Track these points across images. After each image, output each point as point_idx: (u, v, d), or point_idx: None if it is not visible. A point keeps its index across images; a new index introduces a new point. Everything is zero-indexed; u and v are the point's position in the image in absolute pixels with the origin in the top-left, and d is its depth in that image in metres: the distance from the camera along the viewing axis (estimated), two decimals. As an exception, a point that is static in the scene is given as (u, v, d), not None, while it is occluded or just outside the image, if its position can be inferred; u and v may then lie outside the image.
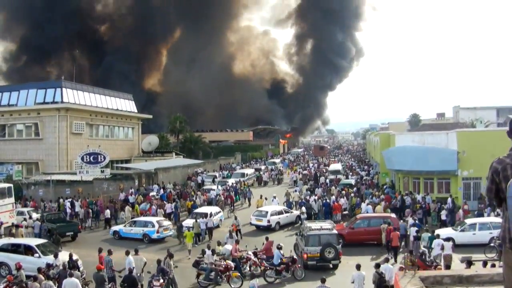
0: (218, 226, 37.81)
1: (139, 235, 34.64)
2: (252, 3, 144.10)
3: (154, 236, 34.16)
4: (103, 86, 75.53)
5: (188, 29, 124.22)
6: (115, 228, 36.52)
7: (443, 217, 35.65)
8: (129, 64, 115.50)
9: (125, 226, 36.12)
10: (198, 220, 34.56)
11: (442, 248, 25.12)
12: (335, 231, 27.79)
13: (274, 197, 44.37)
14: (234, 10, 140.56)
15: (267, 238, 28.39)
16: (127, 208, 40.79)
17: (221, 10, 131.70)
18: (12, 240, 28.52)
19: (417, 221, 31.90)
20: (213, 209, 39.45)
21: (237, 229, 33.49)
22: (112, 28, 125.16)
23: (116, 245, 31.04)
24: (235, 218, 35.08)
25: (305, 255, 26.38)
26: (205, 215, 36.23)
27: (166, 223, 35.80)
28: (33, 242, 27.45)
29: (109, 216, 39.98)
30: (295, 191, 50.51)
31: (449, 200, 37.77)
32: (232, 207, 45.58)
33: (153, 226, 34.64)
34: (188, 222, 35.56)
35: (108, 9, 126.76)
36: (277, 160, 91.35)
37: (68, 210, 42.51)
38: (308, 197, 43.46)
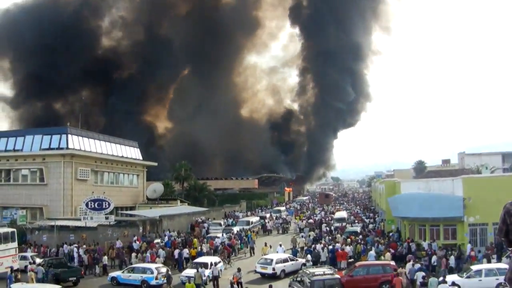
0: (218, 276, 36.84)
1: (137, 282, 34.52)
2: (260, 45, 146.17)
3: (153, 282, 34.07)
4: (108, 127, 76.05)
5: (195, 71, 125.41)
6: (113, 274, 36.41)
7: (451, 263, 35.29)
8: (134, 105, 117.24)
9: (123, 272, 36.01)
10: (199, 270, 33.86)
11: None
12: (337, 276, 29.29)
13: (280, 245, 44.34)
14: (242, 50, 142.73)
15: (270, 287, 28.24)
16: (133, 255, 40.73)
17: (229, 50, 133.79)
18: (28, 286, 28.29)
19: (423, 267, 31.76)
20: (214, 259, 38.55)
21: (238, 281, 32.39)
22: (120, 65, 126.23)
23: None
24: (239, 270, 33.60)
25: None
26: (205, 265, 35.66)
27: (164, 269, 35.61)
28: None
29: (106, 263, 40.05)
30: (302, 236, 51.80)
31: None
32: (228, 258, 43.85)
33: (152, 272, 34.53)
34: (188, 272, 35.27)
35: (116, 46, 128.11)
36: (282, 208, 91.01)
37: (76, 255, 42.63)
38: (313, 245, 43.32)
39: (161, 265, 37.25)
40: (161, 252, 41.64)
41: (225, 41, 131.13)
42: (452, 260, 35.61)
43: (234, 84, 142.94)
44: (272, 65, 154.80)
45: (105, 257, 40.15)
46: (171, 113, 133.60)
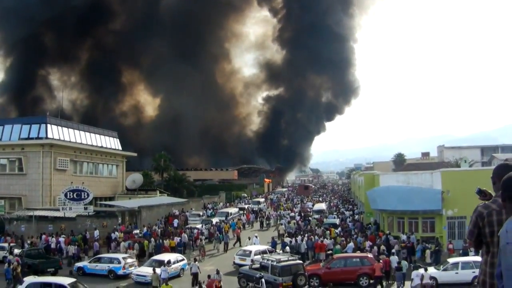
0: (178, 275, 34.92)
1: (104, 271, 34.40)
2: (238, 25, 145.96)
3: (120, 272, 34.03)
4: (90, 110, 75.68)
5: (175, 60, 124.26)
6: (79, 264, 36.31)
7: (428, 259, 35.79)
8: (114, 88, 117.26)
9: (90, 262, 35.84)
10: (156, 271, 30.82)
11: (422, 278, 26.77)
12: (300, 261, 31.92)
13: (256, 236, 44.50)
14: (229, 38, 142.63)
15: (261, 277, 28.54)
16: (122, 244, 40.77)
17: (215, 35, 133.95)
18: (40, 279, 28.08)
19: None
20: (174, 256, 36.13)
21: (219, 286, 28.71)
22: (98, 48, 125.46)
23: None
24: (217, 272, 29.91)
25: (281, 285, 28.59)
26: (161, 263, 33.09)
27: (131, 260, 35.53)
28: (66, 281, 27.27)
29: (74, 253, 40.35)
30: (282, 224, 54.61)
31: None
32: (200, 252, 41.75)
33: (119, 262, 34.44)
34: (143, 270, 33.27)
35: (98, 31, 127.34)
36: (262, 199, 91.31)
37: (53, 246, 42.50)
38: (291, 238, 43.62)
39: (127, 254, 36.99)
40: (137, 245, 41.25)
41: (213, 24, 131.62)
42: (428, 254, 36.17)
43: (218, 69, 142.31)
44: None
45: (71, 247, 40.61)
46: (151, 98, 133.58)
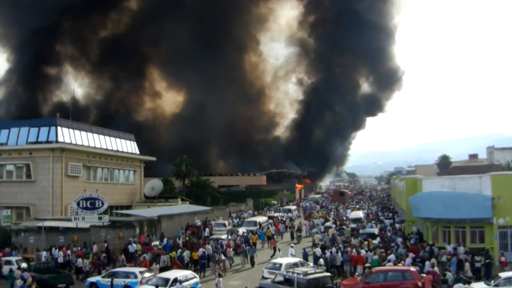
0: None
1: (119, 287, 33.92)
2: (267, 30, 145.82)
3: (137, 288, 33.41)
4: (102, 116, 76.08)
5: (196, 48, 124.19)
6: (92, 279, 35.88)
7: (469, 272, 34.77)
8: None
9: (103, 277, 35.36)
10: None
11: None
12: (328, 273, 32.08)
13: (291, 246, 44.01)
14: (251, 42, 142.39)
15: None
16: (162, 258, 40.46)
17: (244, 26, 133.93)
18: None
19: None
20: (183, 273, 34.01)
21: None
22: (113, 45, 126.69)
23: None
24: None
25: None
26: (166, 282, 31.65)
27: (149, 274, 34.89)
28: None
29: (82, 265, 40.00)
30: (316, 233, 54.91)
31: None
32: (219, 266, 40.42)
33: (136, 277, 33.96)
34: None
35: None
36: (293, 207, 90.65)
37: (61, 261, 42.30)
38: (324, 251, 42.90)
39: (145, 268, 36.48)
40: (162, 257, 40.85)
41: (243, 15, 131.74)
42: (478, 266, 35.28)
43: (245, 59, 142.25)
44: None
45: (80, 260, 40.14)
46: (171, 78, 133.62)
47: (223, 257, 41.56)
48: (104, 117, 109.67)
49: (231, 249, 45.67)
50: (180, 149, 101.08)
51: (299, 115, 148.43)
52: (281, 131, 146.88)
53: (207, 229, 58.85)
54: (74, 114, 71.40)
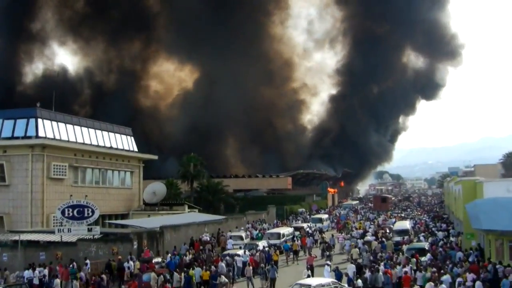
0: None
1: None
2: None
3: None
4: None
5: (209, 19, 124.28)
6: None
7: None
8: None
9: None
10: None
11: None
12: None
13: (328, 264, 43.48)
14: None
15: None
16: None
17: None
18: None
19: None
20: None
21: None
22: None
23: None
24: None
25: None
26: None
27: None
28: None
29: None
30: (355, 246, 54.65)
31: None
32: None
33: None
34: None
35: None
36: (324, 216, 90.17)
37: (36, 282, 41.86)
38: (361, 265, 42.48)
39: None
40: (176, 276, 40.48)
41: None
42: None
43: (270, 34, 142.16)
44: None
45: (57, 280, 39.75)
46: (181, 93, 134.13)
47: (223, 279, 40.93)
48: (96, 102, 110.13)
49: (251, 268, 44.95)
50: (187, 144, 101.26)
51: (333, 101, 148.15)
52: (310, 120, 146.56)
53: (230, 241, 58.84)
54: (58, 100, 70.95)
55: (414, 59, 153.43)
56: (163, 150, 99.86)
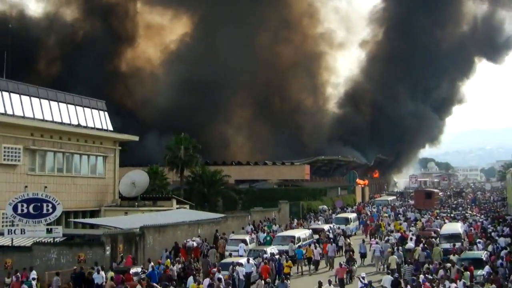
0: None
1: None
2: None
3: None
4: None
5: None
6: None
7: None
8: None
9: None
10: None
11: None
12: None
13: (362, 278, 43.28)
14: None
15: None
16: None
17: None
18: None
19: None
20: None
21: None
22: None
23: None
24: None
25: None
26: None
27: None
28: None
29: None
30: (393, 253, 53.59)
31: None
32: None
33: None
34: None
35: None
36: (352, 215, 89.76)
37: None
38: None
39: None
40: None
41: None
42: None
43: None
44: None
45: None
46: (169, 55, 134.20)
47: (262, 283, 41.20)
48: (64, 62, 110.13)
49: (262, 283, 44.70)
50: (176, 121, 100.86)
51: (365, 64, 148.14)
52: (334, 92, 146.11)
53: (229, 247, 59.12)
54: (13, 61, 70.67)
55: (473, 6, 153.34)
56: (147, 128, 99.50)
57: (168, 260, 51.39)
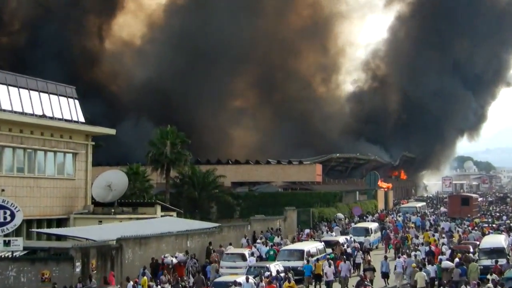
0: None
1: None
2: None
3: None
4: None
5: None
6: None
7: None
8: None
9: None
10: None
11: None
12: None
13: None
14: None
15: None
16: None
17: None
18: None
19: None
20: None
21: None
22: None
23: None
24: None
25: None
26: None
27: None
28: None
29: None
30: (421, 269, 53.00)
31: None
32: None
33: None
34: None
35: None
36: (373, 225, 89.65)
37: None
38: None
39: None
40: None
41: None
42: None
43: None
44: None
45: None
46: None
47: None
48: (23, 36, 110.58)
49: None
50: (162, 109, 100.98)
51: (389, 43, 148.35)
52: (351, 77, 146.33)
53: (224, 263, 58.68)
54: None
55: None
56: (127, 117, 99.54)
57: (145, 278, 50.80)
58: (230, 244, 67.59)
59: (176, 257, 59.06)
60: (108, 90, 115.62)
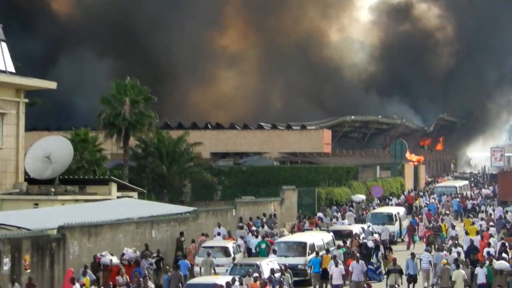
0: None
1: None
2: None
3: None
4: None
5: None
6: None
7: None
8: None
9: None
10: None
11: None
12: None
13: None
14: None
15: None
16: None
17: None
18: None
19: None
20: None
21: None
22: None
23: None
24: None
25: None
26: None
27: None
28: None
29: None
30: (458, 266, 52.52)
31: None
32: None
33: None
34: None
35: None
36: (398, 210, 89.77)
37: None
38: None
39: None
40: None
41: None
42: None
43: None
44: None
45: None
46: None
47: None
48: None
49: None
50: (116, 49, 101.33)
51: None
52: (368, 21, 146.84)
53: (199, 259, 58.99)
54: None
55: None
56: (70, 58, 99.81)
57: (87, 278, 50.60)
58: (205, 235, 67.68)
59: (124, 254, 58.12)
60: (45, 20, 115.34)
